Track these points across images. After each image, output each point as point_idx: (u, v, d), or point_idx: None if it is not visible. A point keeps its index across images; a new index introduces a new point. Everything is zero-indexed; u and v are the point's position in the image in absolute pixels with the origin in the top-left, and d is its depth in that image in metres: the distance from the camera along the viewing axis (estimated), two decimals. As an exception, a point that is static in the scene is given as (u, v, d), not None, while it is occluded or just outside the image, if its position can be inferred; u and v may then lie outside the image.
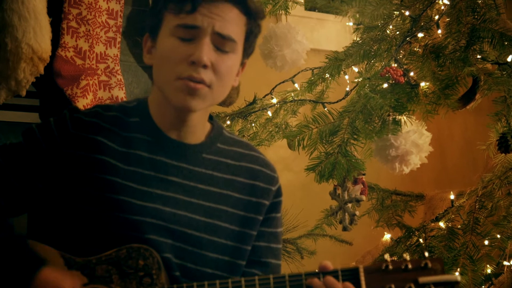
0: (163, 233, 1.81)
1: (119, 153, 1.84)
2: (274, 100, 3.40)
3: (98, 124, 1.87)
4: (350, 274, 1.74)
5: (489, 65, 2.94)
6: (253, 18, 1.88)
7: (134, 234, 1.78)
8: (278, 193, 2.03)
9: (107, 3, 3.14)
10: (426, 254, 1.78)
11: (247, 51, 1.93)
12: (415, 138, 2.74)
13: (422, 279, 1.71)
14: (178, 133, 1.89)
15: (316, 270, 1.76)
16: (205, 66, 1.77)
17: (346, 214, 2.89)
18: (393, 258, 1.76)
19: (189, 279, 1.81)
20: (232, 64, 1.85)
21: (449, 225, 3.03)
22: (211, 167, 1.92)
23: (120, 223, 1.78)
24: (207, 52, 1.78)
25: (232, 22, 1.82)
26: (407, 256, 1.76)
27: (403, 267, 1.73)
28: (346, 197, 2.88)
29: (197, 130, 1.93)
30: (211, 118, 2.00)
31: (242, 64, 1.95)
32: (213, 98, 1.84)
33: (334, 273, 1.74)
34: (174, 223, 1.83)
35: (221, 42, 1.81)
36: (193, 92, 1.78)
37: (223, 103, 3.35)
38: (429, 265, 1.73)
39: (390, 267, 1.73)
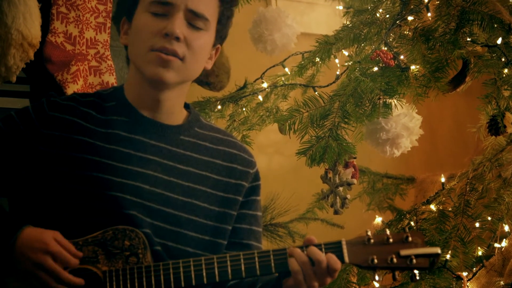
0: (142, 210, 1.84)
1: (97, 133, 1.88)
2: (265, 85, 3.39)
3: (75, 107, 1.91)
4: (333, 247, 1.78)
5: (479, 48, 2.94)
6: (225, 2, 1.96)
7: (115, 209, 1.81)
8: (257, 176, 2.08)
9: (96, -11, 3.13)
10: (407, 229, 1.80)
11: (220, 33, 1.99)
12: (405, 121, 2.74)
13: (404, 252, 1.75)
14: (154, 114, 1.94)
15: None
16: (177, 39, 1.84)
17: (337, 197, 2.89)
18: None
19: (171, 258, 1.83)
20: (204, 42, 1.91)
21: (440, 207, 3.03)
22: (189, 148, 1.97)
23: (101, 198, 1.82)
24: (180, 26, 1.84)
25: (204, 1, 1.89)
26: (388, 231, 1.79)
27: (384, 240, 1.77)
28: (337, 181, 2.88)
29: (174, 112, 1.98)
30: (188, 106, 2.05)
31: (215, 48, 2.02)
32: (186, 73, 1.90)
33: (317, 247, 1.77)
34: (151, 201, 1.86)
35: (194, 19, 1.87)
36: (166, 63, 1.84)
37: (213, 88, 3.36)
38: (410, 238, 1.77)
39: (372, 240, 1.78)
